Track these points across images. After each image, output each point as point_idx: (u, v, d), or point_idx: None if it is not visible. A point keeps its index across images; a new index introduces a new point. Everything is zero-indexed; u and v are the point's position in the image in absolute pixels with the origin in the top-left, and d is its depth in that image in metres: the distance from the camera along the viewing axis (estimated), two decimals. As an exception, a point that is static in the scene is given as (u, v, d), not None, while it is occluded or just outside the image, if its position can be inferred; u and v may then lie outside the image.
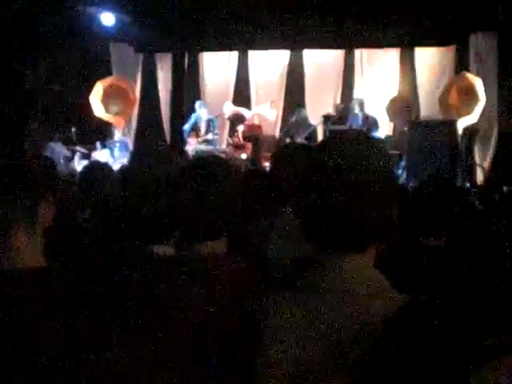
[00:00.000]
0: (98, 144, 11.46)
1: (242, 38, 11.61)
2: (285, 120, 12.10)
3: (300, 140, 10.29)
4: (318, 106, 11.94)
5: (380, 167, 1.28)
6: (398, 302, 1.21)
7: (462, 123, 10.33)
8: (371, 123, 10.38)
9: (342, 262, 1.26)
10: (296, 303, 1.26)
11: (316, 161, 1.33)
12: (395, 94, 11.81)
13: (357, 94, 11.99)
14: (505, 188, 5.48)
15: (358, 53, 12.23)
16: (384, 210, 1.28)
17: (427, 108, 11.65)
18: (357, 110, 10.63)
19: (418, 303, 1.22)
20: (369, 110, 10.74)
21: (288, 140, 10.68)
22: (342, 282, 1.24)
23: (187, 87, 12.51)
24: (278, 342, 1.24)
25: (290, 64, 12.65)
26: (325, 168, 1.28)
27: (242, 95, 12.77)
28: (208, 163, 1.87)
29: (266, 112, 11.89)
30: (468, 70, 10.94)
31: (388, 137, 11.31)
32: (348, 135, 1.40)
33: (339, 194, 1.25)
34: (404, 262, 2.40)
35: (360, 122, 10.41)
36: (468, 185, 8.81)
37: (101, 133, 12.19)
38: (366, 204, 1.25)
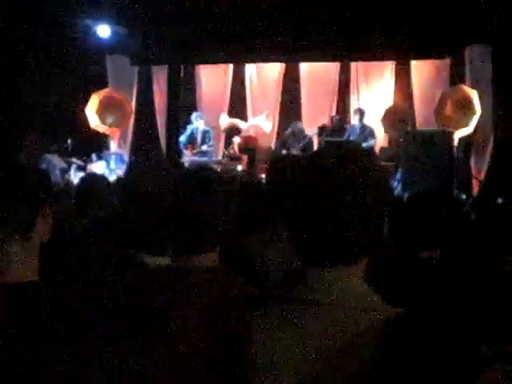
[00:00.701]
0: (93, 156, 11.46)
1: (238, 50, 11.64)
2: (280, 132, 12.12)
3: (295, 151, 10.32)
4: (314, 117, 11.98)
5: (372, 179, 1.27)
6: (388, 315, 1.20)
7: (458, 135, 10.36)
8: (368, 134, 10.42)
9: (332, 275, 1.25)
10: (285, 316, 1.25)
11: (306, 173, 1.31)
12: (391, 105, 11.85)
13: (352, 106, 12.05)
14: (500, 199, 5.49)
15: (353, 65, 12.28)
16: (375, 223, 1.27)
17: (423, 120, 11.69)
18: (355, 120, 10.68)
19: (409, 317, 1.22)
20: (365, 122, 10.78)
21: (284, 151, 10.71)
22: (332, 294, 1.24)
23: (183, 99, 12.55)
24: (268, 355, 1.23)
25: (285, 76, 12.69)
26: (314, 180, 1.27)
27: (237, 107, 12.80)
28: (201, 175, 1.87)
29: (262, 124, 11.91)
30: (463, 82, 10.99)
31: (384, 148, 11.34)
32: (338, 146, 1.39)
33: (329, 205, 1.24)
34: (395, 275, 2.39)
35: (357, 132, 10.44)
36: (464, 196, 8.81)
37: (97, 145, 12.18)
38: (357, 216, 1.24)
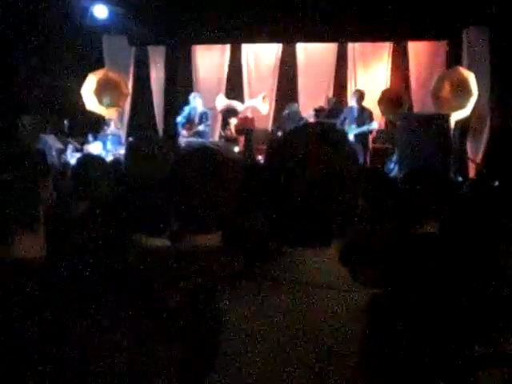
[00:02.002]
0: (90, 136, 11.43)
1: (234, 31, 11.58)
2: (277, 113, 12.11)
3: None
4: (311, 99, 11.97)
5: (344, 159, 1.27)
6: (362, 296, 1.22)
7: (455, 117, 10.36)
8: (366, 116, 10.40)
9: (307, 255, 1.26)
10: (257, 293, 1.26)
11: (279, 154, 1.32)
12: (387, 87, 11.84)
13: (349, 88, 12.04)
14: (496, 182, 5.51)
15: (350, 47, 12.25)
16: (349, 203, 1.27)
17: (419, 102, 11.68)
18: (353, 102, 10.65)
19: (383, 297, 1.23)
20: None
21: (279, 133, 10.70)
22: (305, 273, 1.24)
23: (180, 80, 12.51)
24: (240, 339, 1.24)
25: (282, 57, 12.66)
26: (286, 161, 1.27)
27: (234, 88, 12.77)
28: (202, 154, 1.87)
29: (259, 105, 11.88)
30: (460, 64, 10.97)
31: (380, 131, 11.35)
32: (306, 128, 1.39)
33: (303, 187, 1.24)
34: (369, 254, 2.40)
35: (355, 115, 10.42)
36: (460, 178, 8.84)
37: (93, 125, 12.15)
38: (331, 197, 1.24)
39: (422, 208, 2.71)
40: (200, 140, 11.08)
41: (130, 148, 2.93)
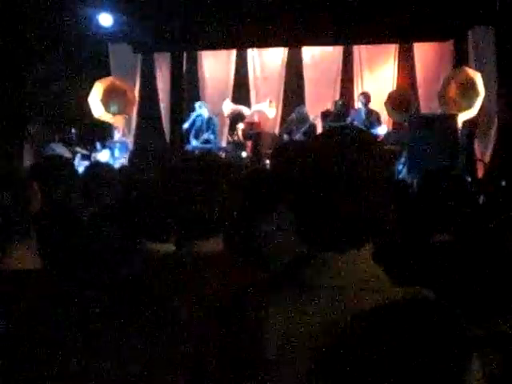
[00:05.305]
0: (98, 144, 11.47)
1: (240, 35, 11.59)
2: (284, 117, 12.11)
3: (298, 137, 10.30)
4: (317, 102, 11.96)
5: (376, 162, 1.27)
6: (398, 295, 1.21)
7: (462, 117, 10.33)
8: (374, 119, 10.38)
9: (341, 258, 1.26)
10: (294, 301, 1.26)
11: (309, 157, 1.31)
12: (394, 89, 11.82)
13: (356, 90, 12.03)
14: (504, 182, 5.49)
15: (356, 49, 12.24)
16: (381, 205, 1.27)
17: (426, 103, 11.65)
18: (360, 104, 10.63)
19: (418, 297, 1.22)
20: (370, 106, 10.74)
21: (285, 137, 10.70)
22: (341, 277, 1.24)
23: (186, 86, 12.52)
24: (278, 341, 1.24)
25: (288, 61, 12.65)
26: (318, 164, 1.27)
27: (241, 93, 12.78)
28: (204, 161, 1.87)
29: (266, 110, 11.88)
30: (467, 64, 10.94)
31: (387, 132, 11.32)
32: (342, 130, 1.39)
33: (335, 189, 1.24)
34: (403, 256, 2.40)
35: (363, 117, 10.40)
36: (468, 179, 8.80)
37: (101, 133, 12.19)
38: (363, 199, 1.24)
39: (442, 213, 2.68)
40: (207, 146, 11.12)
41: (134, 155, 2.94)
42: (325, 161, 1.26)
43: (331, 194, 1.24)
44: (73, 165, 3.64)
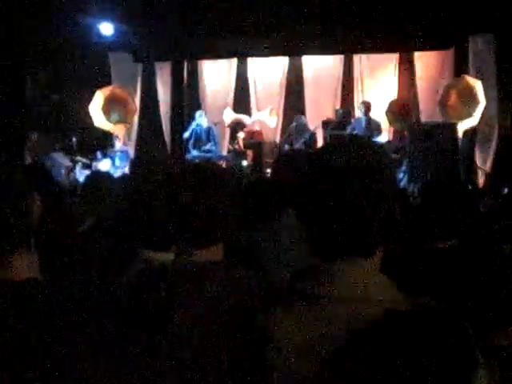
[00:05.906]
0: (98, 154, 11.47)
1: (240, 45, 11.61)
2: (285, 126, 12.11)
3: (298, 146, 10.31)
4: (318, 111, 11.97)
5: (381, 170, 1.27)
6: (407, 305, 1.20)
7: (463, 126, 10.33)
8: (374, 127, 10.39)
9: (348, 269, 1.25)
10: (301, 313, 1.25)
11: (316, 166, 1.31)
12: (395, 97, 11.83)
13: (356, 99, 12.04)
14: (505, 190, 5.48)
15: (356, 59, 12.26)
16: (388, 214, 1.27)
17: (427, 111, 11.66)
18: (361, 113, 10.64)
19: (428, 306, 1.21)
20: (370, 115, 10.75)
21: (286, 146, 10.71)
22: (349, 288, 1.24)
23: (187, 95, 12.54)
24: (283, 354, 1.23)
25: (289, 70, 12.68)
26: (325, 173, 1.27)
27: (241, 102, 12.80)
28: (204, 170, 1.87)
29: (266, 119, 11.90)
30: (467, 73, 10.95)
31: (388, 141, 11.33)
32: (348, 139, 1.39)
33: (341, 199, 1.24)
34: (411, 265, 2.39)
35: (364, 126, 10.41)
36: (469, 187, 8.79)
37: (102, 142, 12.20)
38: (369, 209, 1.24)
39: (445, 222, 2.67)
40: (208, 155, 11.14)
41: (134, 164, 2.94)
42: (333, 170, 1.26)
43: (339, 202, 1.24)
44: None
